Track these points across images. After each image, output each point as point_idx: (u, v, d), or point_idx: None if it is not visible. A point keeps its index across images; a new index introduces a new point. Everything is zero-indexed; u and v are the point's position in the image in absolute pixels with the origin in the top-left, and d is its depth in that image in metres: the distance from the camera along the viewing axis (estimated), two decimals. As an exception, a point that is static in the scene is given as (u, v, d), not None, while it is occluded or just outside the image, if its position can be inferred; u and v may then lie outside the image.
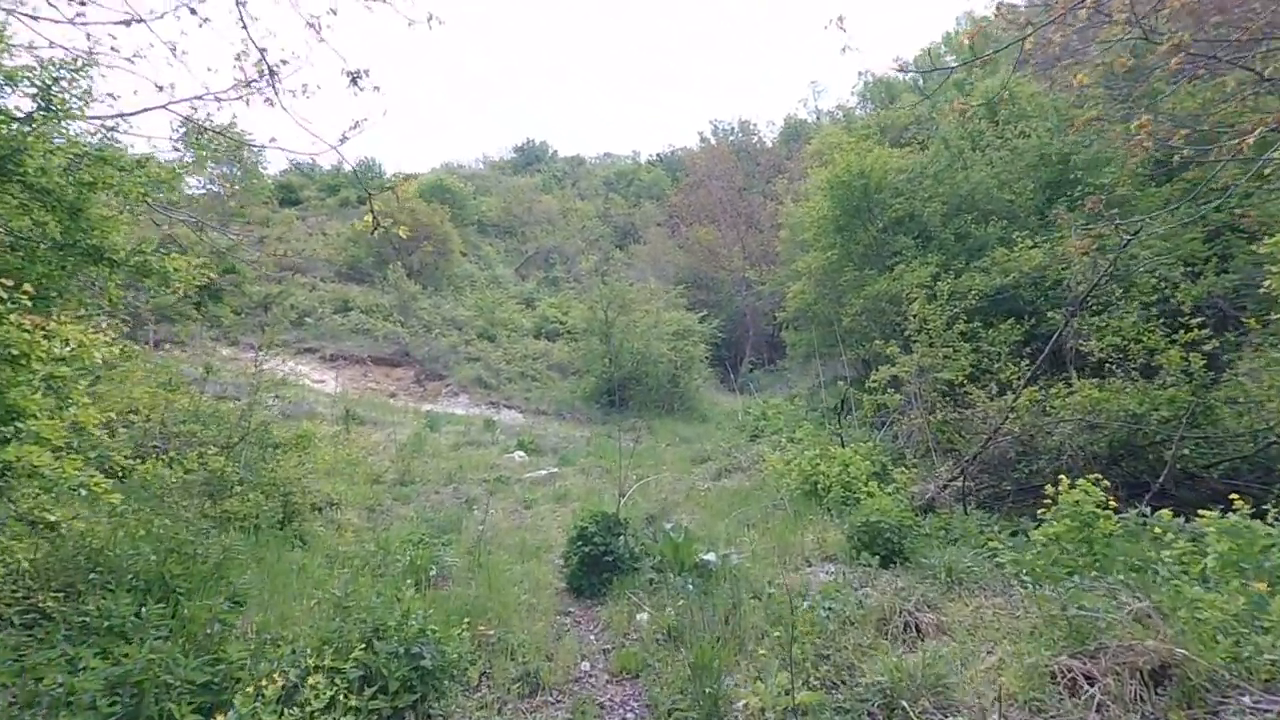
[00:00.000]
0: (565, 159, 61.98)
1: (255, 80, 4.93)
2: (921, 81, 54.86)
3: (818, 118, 62.40)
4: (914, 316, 10.47)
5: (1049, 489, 5.72)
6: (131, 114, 7.02)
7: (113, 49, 5.78)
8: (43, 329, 3.94)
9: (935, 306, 10.35)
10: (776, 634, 4.91)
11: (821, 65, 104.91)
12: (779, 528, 8.04)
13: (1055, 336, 8.11)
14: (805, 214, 17.20)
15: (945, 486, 8.30)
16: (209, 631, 4.36)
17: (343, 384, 20.69)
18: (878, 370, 10.83)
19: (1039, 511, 5.79)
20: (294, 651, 4.29)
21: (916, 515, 7.54)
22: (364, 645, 4.38)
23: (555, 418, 20.21)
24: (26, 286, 3.91)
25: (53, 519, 3.90)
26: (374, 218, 5.67)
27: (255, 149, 32.91)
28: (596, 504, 9.94)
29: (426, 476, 11.48)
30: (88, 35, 5.28)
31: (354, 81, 4.98)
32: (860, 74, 67.08)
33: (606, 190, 57.52)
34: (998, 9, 7.08)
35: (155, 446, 8.66)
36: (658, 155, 65.98)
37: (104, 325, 4.49)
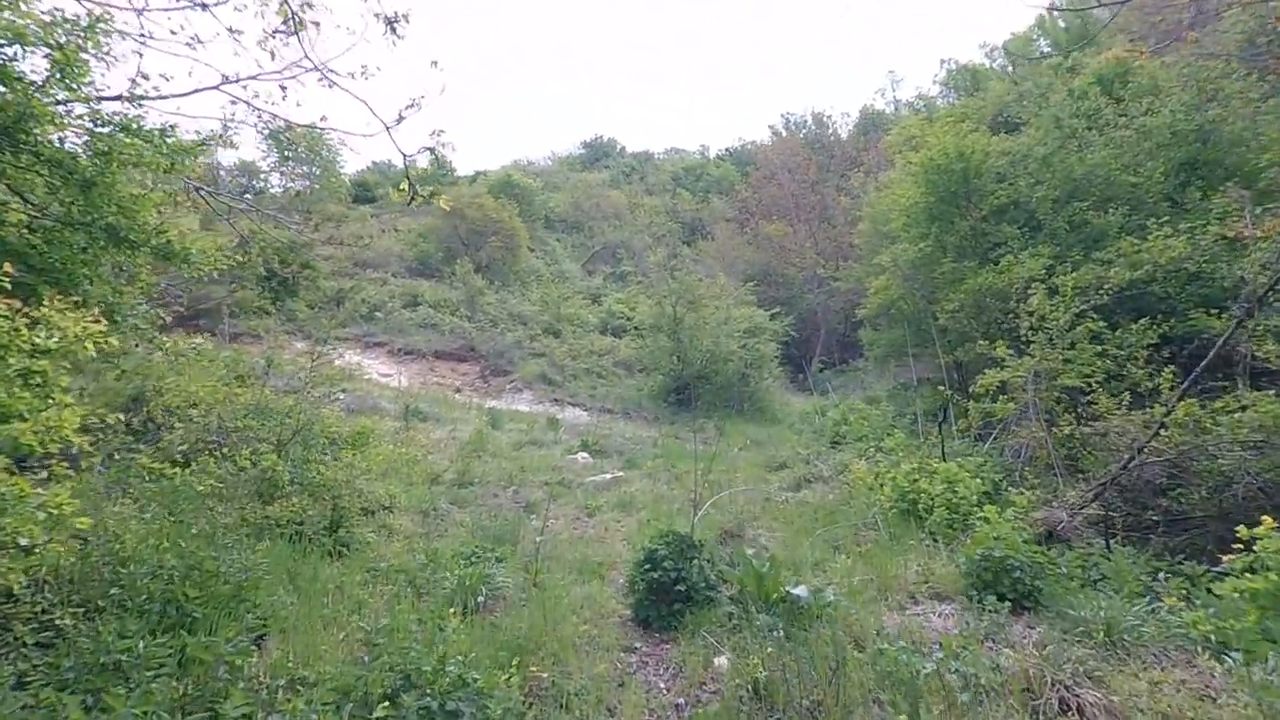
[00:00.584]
0: (633, 155, 61.32)
1: (281, 30, 4.21)
2: (1012, 69, 51.90)
3: (896, 109, 59.85)
4: (1030, 314, 9.13)
5: (1242, 531, 4.49)
6: (182, 95, 6.57)
7: (171, 32, 5.28)
8: (26, 315, 3.32)
9: (1057, 302, 8.98)
10: (893, 704, 3.91)
11: (900, 54, 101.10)
12: (875, 553, 6.96)
13: (1224, 340, 6.72)
14: (892, 203, 15.83)
15: (1075, 513, 7.04)
16: (214, 675, 3.67)
17: (409, 378, 20.47)
18: (983, 374, 9.53)
19: (1225, 558, 4.57)
20: (309, 703, 3.56)
21: (1041, 547, 6.34)
22: (389, 699, 3.61)
23: (621, 416, 19.44)
24: (6, 266, 3.29)
25: (24, 543, 3.25)
26: (410, 185, 4.89)
27: (306, 129, 33.53)
28: (665, 515, 9.07)
29: (486, 477, 10.84)
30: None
31: (391, 28, 4.22)
32: (943, 61, 63.93)
33: (674, 185, 56.55)
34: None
35: (213, 442, 8.26)
36: (727, 150, 64.58)
37: (97, 313, 3.81)
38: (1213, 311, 9.43)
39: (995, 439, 9.53)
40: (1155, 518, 6.68)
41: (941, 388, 11.69)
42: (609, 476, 11.66)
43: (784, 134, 57.59)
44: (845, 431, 12.57)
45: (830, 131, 58.59)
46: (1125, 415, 7.33)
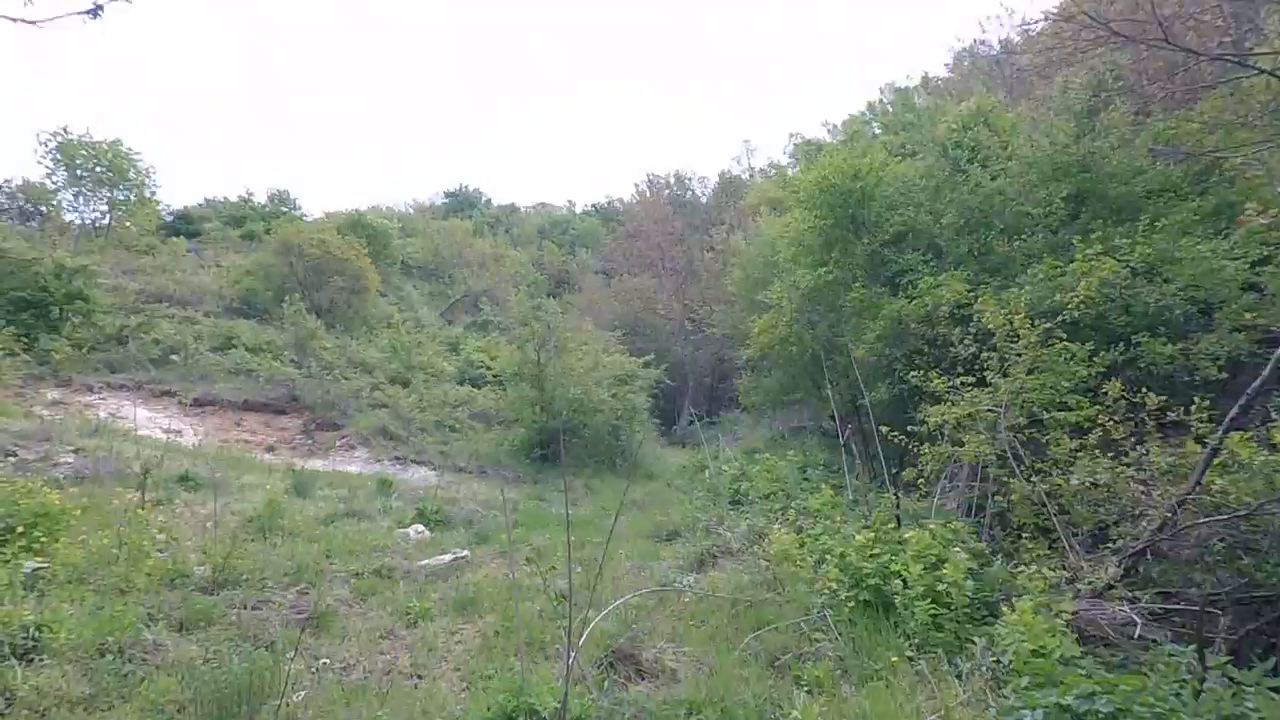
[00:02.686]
0: (498, 207, 58.63)
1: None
2: (852, 142, 54.50)
3: (751, 174, 61.57)
4: (982, 333, 7.20)
5: None
6: None
7: None
8: None
9: (1018, 320, 7.10)
10: None
11: (754, 123, 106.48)
12: (842, 682, 4.35)
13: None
14: (781, 231, 14.04)
15: (1100, 595, 4.84)
16: None
17: (204, 434, 15.99)
18: (922, 410, 7.48)
19: None
20: None
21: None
22: None
23: (476, 476, 16.03)
24: None
25: None
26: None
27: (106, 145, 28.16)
28: (522, 621, 6.07)
29: (261, 573, 7.26)
30: None
31: None
32: (791, 135, 67.13)
33: (540, 238, 54.31)
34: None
35: None
36: (593, 205, 63.53)
37: None
38: (1158, 335, 8.04)
39: (946, 494, 7.43)
40: (1216, 595, 4.60)
41: (867, 430, 9.55)
42: (448, 559, 8.40)
43: (648, 194, 57.39)
44: (747, 488, 10.15)
45: (691, 192, 59.24)
46: (1157, 456, 5.33)
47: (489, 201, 58.67)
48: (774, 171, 60.01)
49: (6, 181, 29.78)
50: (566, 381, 18.99)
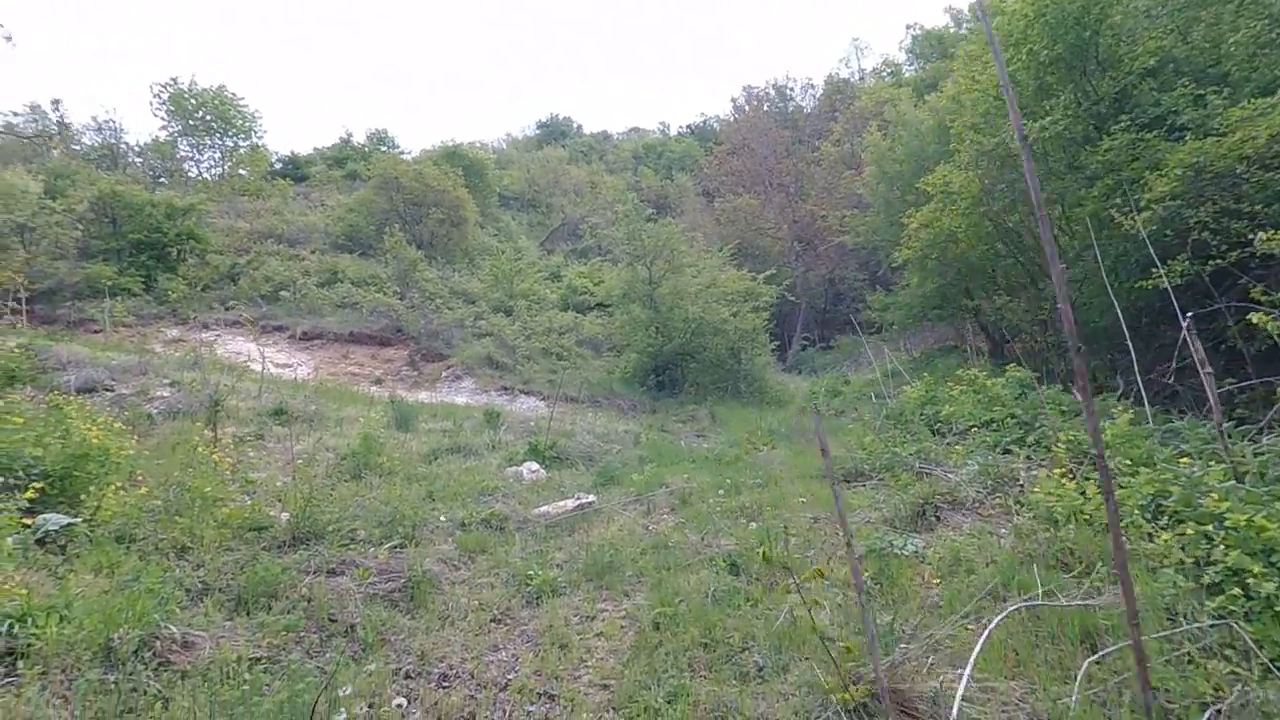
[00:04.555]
0: (591, 135, 56.04)
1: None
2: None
3: (861, 77, 55.55)
4: None
5: None
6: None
7: None
8: None
9: None
10: None
11: (863, 22, 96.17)
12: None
13: None
14: (969, 86, 10.82)
15: None
16: None
17: (314, 367, 15.12)
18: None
19: None
20: None
21: None
22: None
23: (588, 406, 14.37)
24: None
25: None
26: None
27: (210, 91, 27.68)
28: (685, 596, 4.13)
29: (351, 522, 5.73)
30: None
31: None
32: (908, 27, 59.88)
33: (636, 164, 51.51)
34: None
35: None
36: (688, 127, 59.74)
37: None
38: None
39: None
40: None
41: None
42: (571, 504, 6.62)
43: (747, 107, 52.82)
44: (946, 414, 7.61)
45: (793, 103, 54.12)
46: None
47: (581, 129, 56.25)
48: (888, 72, 53.87)
49: (138, 143, 30.25)
50: (682, 301, 16.84)
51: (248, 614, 4.09)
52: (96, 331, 13.81)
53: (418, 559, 5.07)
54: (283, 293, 17.94)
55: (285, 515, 5.74)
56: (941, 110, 18.61)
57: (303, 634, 3.92)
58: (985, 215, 11.36)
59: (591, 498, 6.90)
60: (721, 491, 6.91)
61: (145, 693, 3.11)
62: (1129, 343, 6.21)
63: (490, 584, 4.93)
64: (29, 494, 4.34)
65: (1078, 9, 8.60)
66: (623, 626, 4.19)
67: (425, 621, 4.28)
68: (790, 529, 5.47)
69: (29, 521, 4.41)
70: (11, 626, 3.22)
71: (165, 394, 9.26)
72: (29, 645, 3.17)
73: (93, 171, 19.86)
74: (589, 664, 3.80)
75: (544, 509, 6.63)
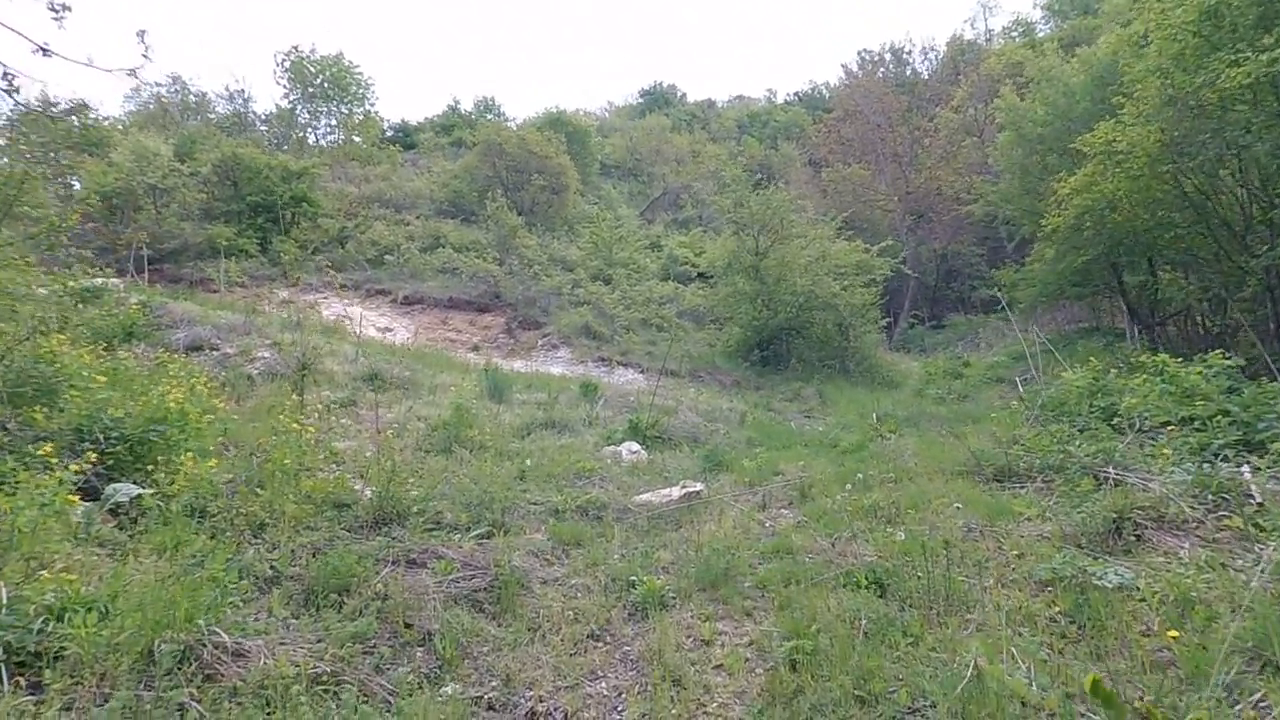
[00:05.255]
0: (694, 103, 54.33)
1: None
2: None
3: (989, 39, 50.84)
4: None
5: None
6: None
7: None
8: None
9: None
10: None
11: None
12: None
13: None
14: (1150, 23, 8.98)
15: None
16: None
17: (414, 332, 15.09)
18: None
19: None
20: None
21: None
22: None
23: (690, 380, 13.56)
24: None
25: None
26: None
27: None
28: (837, 645, 3.24)
29: (438, 501, 5.20)
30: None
31: None
32: (1044, -15, 54.37)
33: (740, 133, 49.55)
34: None
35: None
36: (795, 94, 56.87)
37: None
38: None
39: None
40: None
41: None
42: (676, 493, 5.84)
43: (859, 75, 49.47)
44: (1126, 407, 6.23)
45: (911, 68, 50.20)
46: None
47: (685, 97, 54.63)
48: (1019, 32, 49.17)
49: (266, 112, 31.70)
50: (790, 273, 15.62)
51: (317, 611, 3.56)
52: (214, 291, 14.27)
53: (506, 551, 4.45)
54: (387, 257, 18.09)
55: (369, 491, 5.29)
56: (1096, 63, 16.23)
57: (374, 642, 3.34)
58: (1167, 176, 9.52)
59: (699, 486, 6.09)
60: (849, 486, 5.91)
61: (184, 717, 2.58)
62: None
63: (587, 587, 4.23)
64: (86, 461, 3.95)
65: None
66: (748, 659, 3.37)
67: (513, 631, 3.62)
68: (944, 539, 4.46)
69: (100, 491, 4.08)
70: (46, 623, 2.78)
71: (266, 355, 9.19)
72: (63, 648, 2.71)
73: (219, 136, 20.71)
74: (709, 710, 3.01)
75: (646, 496, 5.89)
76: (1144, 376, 6.36)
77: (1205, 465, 4.70)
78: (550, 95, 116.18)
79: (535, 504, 5.64)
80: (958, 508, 4.96)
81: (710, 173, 39.42)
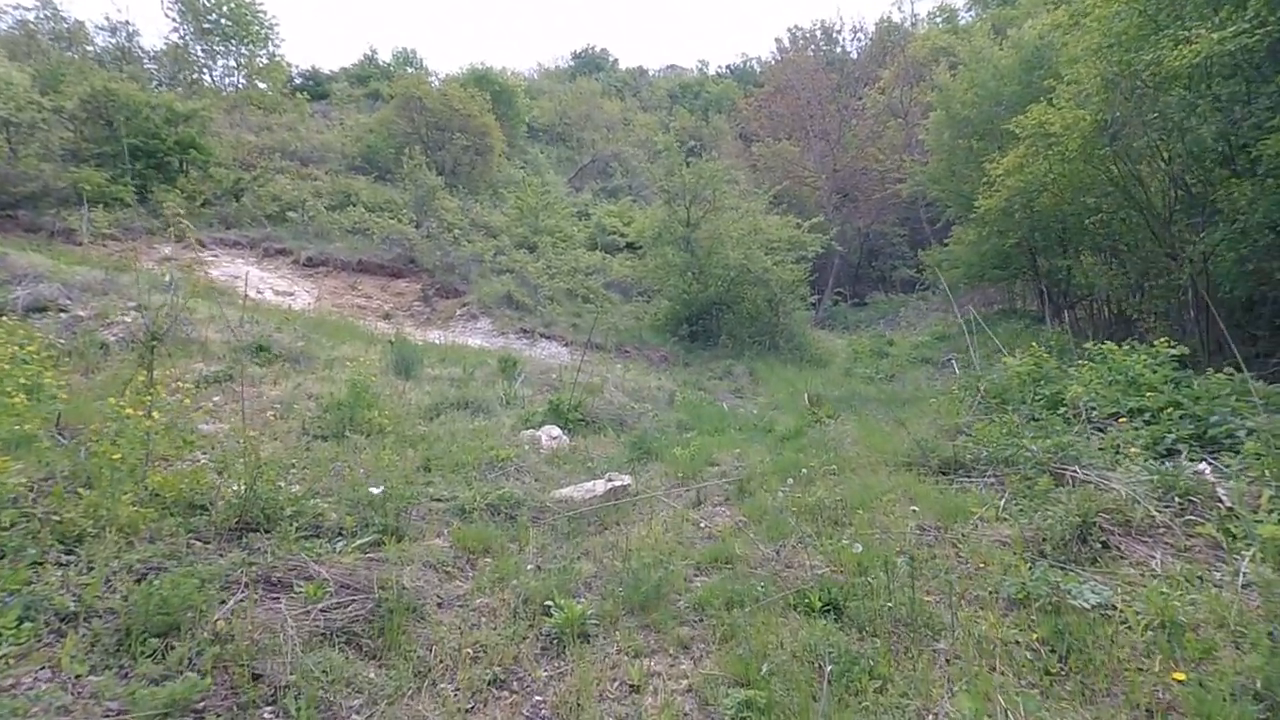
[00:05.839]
0: (626, 70, 52.85)
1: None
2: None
3: (914, 23, 51.69)
4: None
5: None
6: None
7: None
8: None
9: None
10: None
11: None
12: None
13: None
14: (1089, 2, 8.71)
15: None
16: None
17: (319, 297, 13.71)
18: None
19: None
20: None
21: None
22: None
23: (616, 355, 12.88)
24: None
25: None
26: None
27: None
28: (804, 704, 2.61)
29: (317, 504, 4.34)
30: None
31: None
32: (970, -31, 55.51)
33: (671, 103, 48.58)
34: None
35: None
36: (728, 67, 56.27)
37: None
38: None
39: None
40: None
41: None
42: (601, 488, 5.17)
43: (790, 49, 49.39)
44: (1066, 394, 5.94)
45: (840, 48, 50.53)
46: None
47: (616, 64, 53.08)
48: (942, 18, 50.15)
49: (154, 49, 28.27)
50: (722, 245, 15.10)
51: (132, 659, 2.70)
52: (79, 244, 12.43)
53: (398, 564, 3.67)
54: (290, 214, 16.41)
55: (235, 488, 4.35)
56: (1025, 46, 16.32)
57: (203, 707, 2.52)
58: (1099, 160, 9.45)
59: (626, 479, 5.44)
60: (790, 480, 5.40)
61: None
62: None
63: (493, 610, 3.51)
64: None
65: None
66: (686, 715, 2.75)
67: (396, 678, 2.87)
68: (896, 546, 3.99)
69: None
70: None
71: (128, 319, 7.85)
72: None
73: (88, 67, 18.17)
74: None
75: (567, 491, 5.18)
76: (1088, 364, 6.12)
77: (1165, 462, 4.41)
78: (476, 53, 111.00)
79: (439, 501, 4.84)
80: (914, 510, 4.49)
81: (641, 141, 38.44)
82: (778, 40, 51.99)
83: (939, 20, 48.75)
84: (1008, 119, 12.12)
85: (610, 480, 5.35)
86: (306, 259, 14.58)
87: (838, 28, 50.63)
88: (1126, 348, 6.01)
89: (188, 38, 26.41)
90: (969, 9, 49.00)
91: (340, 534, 4.15)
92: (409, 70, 33.63)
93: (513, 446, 6.11)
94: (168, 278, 9.34)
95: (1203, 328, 8.40)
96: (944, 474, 5.46)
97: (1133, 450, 4.47)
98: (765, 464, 6.03)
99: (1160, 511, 3.99)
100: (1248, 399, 4.97)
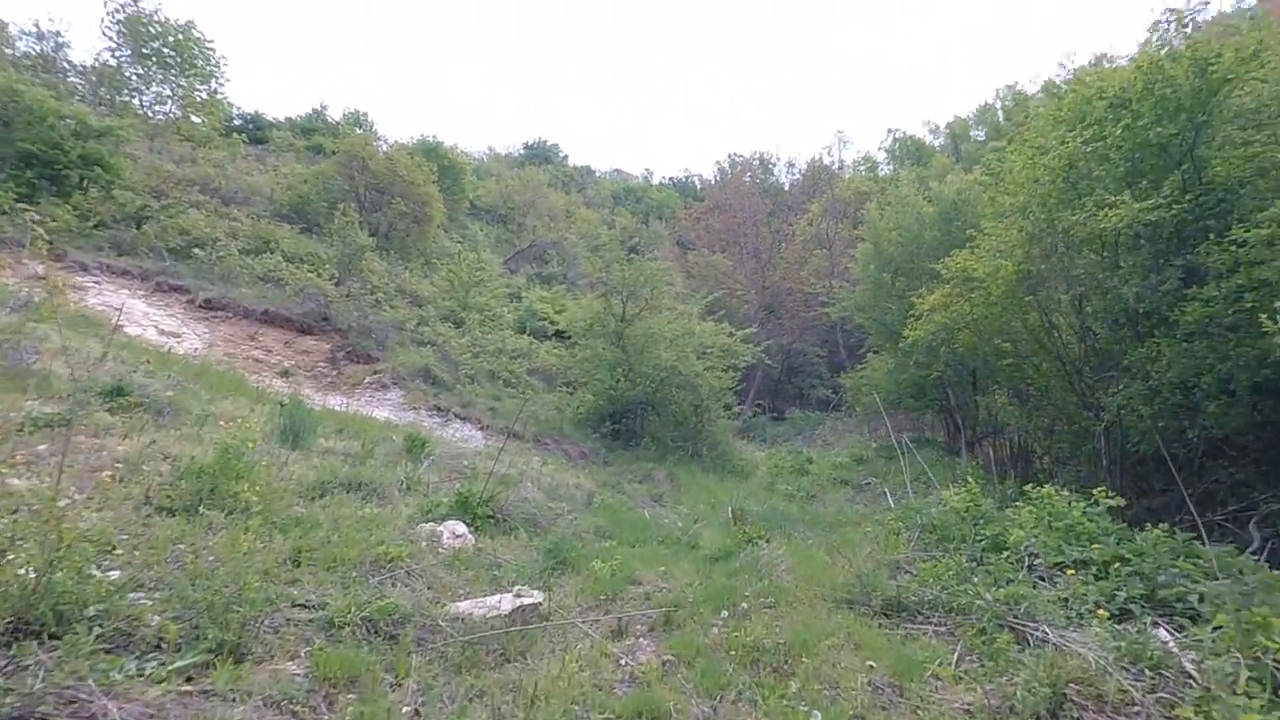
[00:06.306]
0: (574, 167, 54.62)
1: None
2: (954, 145, 49.72)
3: (841, 167, 56.57)
4: None
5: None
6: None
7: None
8: None
9: None
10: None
11: (845, 114, 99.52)
12: None
13: None
14: (1031, 158, 9.31)
15: None
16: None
17: (211, 343, 12.35)
18: None
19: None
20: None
21: None
22: None
23: (534, 446, 12.05)
24: None
25: None
26: None
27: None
28: None
29: (140, 593, 3.34)
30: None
31: None
32: (890, 130, 61.66)
33: (614, 203, 50.23)
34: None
35: None
36: (670, 179, 59.24)
37: None
38: None
39: None
40: None
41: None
42: (506, 605, 4.35)
43: (730, 172, 52.80)
44: (1009, 539, 5.62)
45: (774, 179, 54.49)
46: None
47: (566, 159, 54.81)
48: (864, 168, 55.05)
49: (82, 64, 26.73)
50: (654, 344, 14.86)
51: None
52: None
53: (228, 699, 2.74)
54: (196, 250, 15.09)
55: (24, 571, 3.29)
56: (944, 201, 17.67)
57: None
58: (1018, 307, 9.89)
59: (537, 596, 4.63)
60: (724, 612, 4.75)
61: None
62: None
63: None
64: None
65: (1190, 89, 7.27)
66: None
67: None
68: (849, 707, 3.39)
69: None
70: None
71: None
72: None
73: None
74: None
75: (465, 606, 4.32)
76: (1027, 507, 5.92)
77: (1122, 623, 4.08)
78: (429, 128, 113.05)
79: (303, 608, 3.89)
80: (871, 665, 3.92)
81: (583, 234, 39.04)
82: (719, 162, 55.33)
83: (863, 169, 53.61)
84: (930, 260, 12.73)
85: (519, 596, 4.53)
86: (205, 300, 13.24)
87: (774, 160, 54.67)
88: (1065, 494, 5.85)
89: (123, 60, 25.17)
90: (888, 163, 54.28)
91: (159, 647, 3.16)
92: (358, 131, 33.22)
93: (407, 542, 5.19)
94: (23, 294, 8.03)
95: (1115, 477, 8.56)
96: (887, 615, 4.95)
97: (1101, 612, 4.12)
98: (694, 588, 5.35)
99: (1132, 684, 3.59)
100: (1193, 560, 4.81)
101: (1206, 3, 8.60)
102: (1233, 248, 6.44)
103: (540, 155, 51.06)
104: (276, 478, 5.79)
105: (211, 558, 4.06)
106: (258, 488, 5.28)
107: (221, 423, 6.54)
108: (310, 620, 3.78)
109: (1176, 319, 7.04)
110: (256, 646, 3.36)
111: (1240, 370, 6.42)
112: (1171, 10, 8.59)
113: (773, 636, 4.35)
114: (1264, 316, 5.51)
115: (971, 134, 51.37)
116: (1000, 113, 49.20)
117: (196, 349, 11.76)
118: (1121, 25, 61.05)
